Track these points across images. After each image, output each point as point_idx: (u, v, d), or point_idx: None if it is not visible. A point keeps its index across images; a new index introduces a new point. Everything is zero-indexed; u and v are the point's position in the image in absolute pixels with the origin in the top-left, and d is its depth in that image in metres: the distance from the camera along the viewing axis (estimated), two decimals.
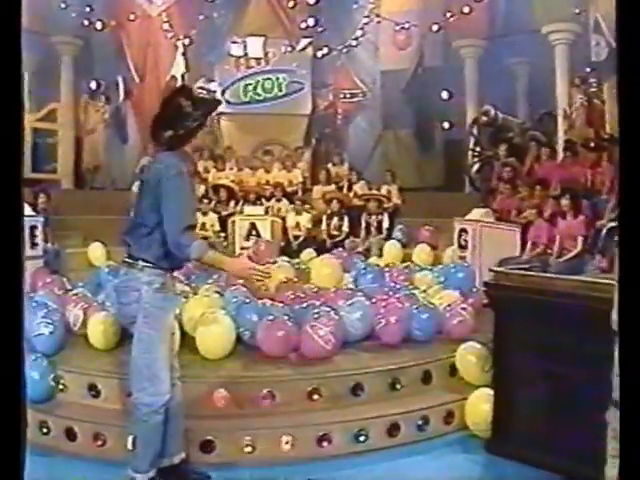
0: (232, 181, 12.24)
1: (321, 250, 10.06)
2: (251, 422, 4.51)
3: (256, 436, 4.37)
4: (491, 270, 4.53)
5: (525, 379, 4.31)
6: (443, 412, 4.90)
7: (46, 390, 4.75)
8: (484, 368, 5.07)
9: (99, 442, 4.42)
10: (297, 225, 11.14)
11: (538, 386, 4.23)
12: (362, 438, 4.55)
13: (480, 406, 4.74)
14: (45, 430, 4.54)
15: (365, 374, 4.92)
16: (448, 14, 12.60)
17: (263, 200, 11.96)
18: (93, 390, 4.78)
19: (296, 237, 11.01)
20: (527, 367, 4.30)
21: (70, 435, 4.50)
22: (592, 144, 9.50)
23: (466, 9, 12.18)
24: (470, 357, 5.20)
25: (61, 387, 4.86)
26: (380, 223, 10.81)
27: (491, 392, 4.64)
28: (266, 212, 11.18)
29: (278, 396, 4.66)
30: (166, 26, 14.25)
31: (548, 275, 4.33)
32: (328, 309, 5.32)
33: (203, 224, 10.33)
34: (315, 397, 4.73)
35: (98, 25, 13.03)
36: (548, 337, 4.12)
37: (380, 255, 9.88)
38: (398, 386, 4.99)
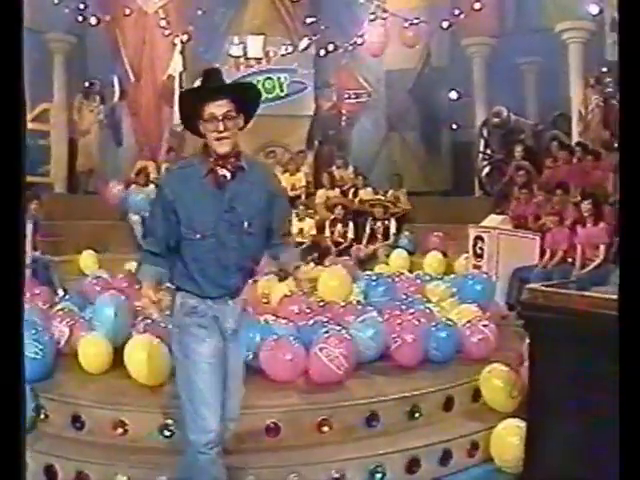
0: None
1: (325, 258, 9.66)
2: (253, 459, 4.00)
3: (258, 475, 3.89)
4: (528, 288, 4.03)
5: (561, 410, 3.80)
6: (467, 444, 4.42)
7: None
8: (511, 394, 4.63)
9: None
10: (300, 231, 10.62)
11: (576, 418, 3.71)
12: (378, 476, 4.06)
13: (508, 439, 4.28)
14: None
15: (381, 402, 4.40)
16: (457, 11, 12.05)
17: None
18: (77, 422, 4.26)
19: (299, 244, 10.50)
20: (565, 397, 3.78)
21: (50, 473, 3.99)
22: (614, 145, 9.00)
23: (477, 5, 11.64)
24: (496, 381, 4.74)
25: (42, 417, 4.34)
26: (386, 229, 10.32)
27: (520, 423, 4.17)
28: None
29: (284, 428, 4.16)
30: (163, 23, 13.72)
31: (593, 294, 3.85)
32: (338, 328, 4.82)
33: None
34: (325, 429, 4.23)
35: (92, 20, 12.52)
36: (589, 363, 3.63)
37: (387, 263, 9.39)
38: (417, 415, 4.50)
